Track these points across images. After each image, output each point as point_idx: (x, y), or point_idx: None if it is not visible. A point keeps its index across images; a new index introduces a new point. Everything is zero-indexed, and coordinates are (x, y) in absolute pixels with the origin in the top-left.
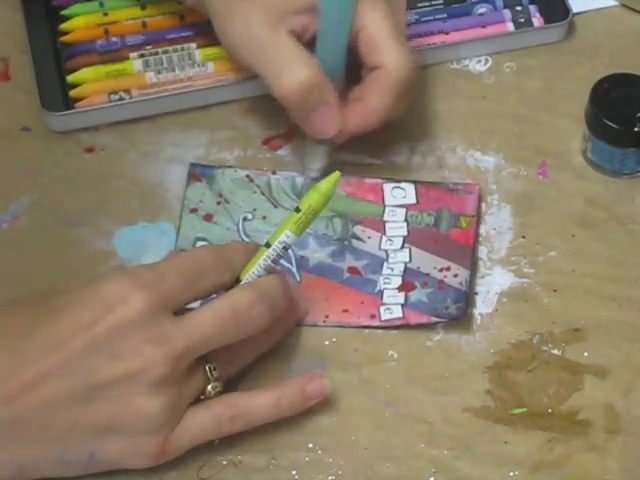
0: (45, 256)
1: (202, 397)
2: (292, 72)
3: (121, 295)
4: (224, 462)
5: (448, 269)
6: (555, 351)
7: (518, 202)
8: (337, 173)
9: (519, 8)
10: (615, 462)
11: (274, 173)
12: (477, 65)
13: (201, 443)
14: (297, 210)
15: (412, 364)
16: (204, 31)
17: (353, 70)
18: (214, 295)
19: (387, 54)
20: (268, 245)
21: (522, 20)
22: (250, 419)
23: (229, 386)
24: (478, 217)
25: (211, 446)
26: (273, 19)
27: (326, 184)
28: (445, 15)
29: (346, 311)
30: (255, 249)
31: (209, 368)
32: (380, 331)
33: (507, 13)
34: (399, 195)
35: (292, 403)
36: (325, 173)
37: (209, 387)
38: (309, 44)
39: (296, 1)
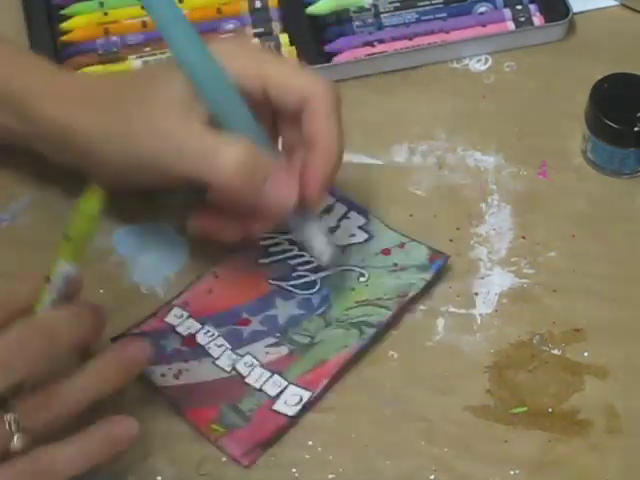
0: (45, 256)
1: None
2: (226, 155)
3: None
4: (224, 459)
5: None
6: (555, 351)
7: (518, 202)
8: (96, 189)
9: (519, 7)
10: (615, 462)
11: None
12: (477, 64)
13: None
14: (66, 238)
15: (412, 364)
16: (204, 31)
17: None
18: None
19: (309, 82)
20: (47, 279)
21: (522, 19)
22: (56, 471)
23: None
24: None
25: (211, 443)
26: (181, 113)
27: (87, 204)
28: (445, 14)
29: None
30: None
31: (8, 419)
32: (380, 331)
33: (507, 12)
34: None
35: (100, 449)
36: (334, 257)
37: (14, 439)
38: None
39: (192, 91)
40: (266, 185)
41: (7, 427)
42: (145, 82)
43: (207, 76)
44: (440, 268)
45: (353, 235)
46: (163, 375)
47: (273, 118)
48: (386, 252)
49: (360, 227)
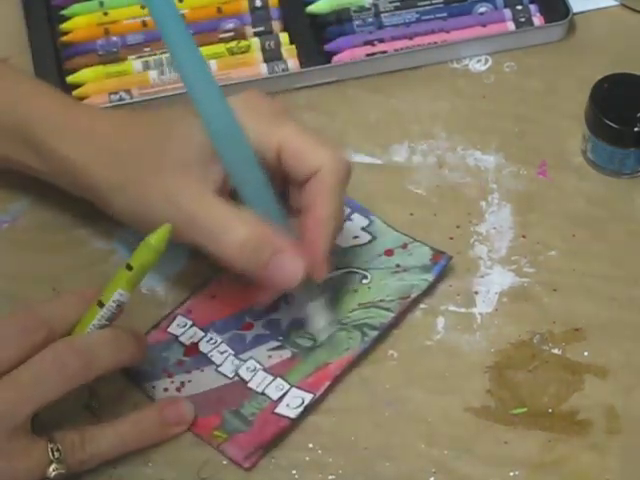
0: (46, 256)
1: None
2: (231, 234)
3: None
4: (224, 462)
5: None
6: (555, 351)
7: (518, 201)
8: (167, 226)
9: (519, 7)
10: (615, 462)
11: None
12: (477, 65)
13: None
14: (129, 268)
15: (412, 364)
16: (204, 30)
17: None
18: None
19: (322, 154)
20: (101, 304)
21: (522, 19)
22: (101, 449)
23: None
24: None
25: (213, 448)
26: (194, 182)
27: (157, 240)
28: (445, 14)
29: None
30: (91, 295)
31: (51, 449)
32: (382, 333)
33: (507, 12)
34: None
35: (149, 429)
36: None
37: (50, 469)
38: (235, 192)
39: (208, 151)
40: (272, 262)
41: (50, 454)
42: (163, 134)
43: (228, 138)
44: (443, 269)
45: (356, 237)
46: (166, 390)
47: (284, 179)
48: (389, 253)
49: (363, 229)
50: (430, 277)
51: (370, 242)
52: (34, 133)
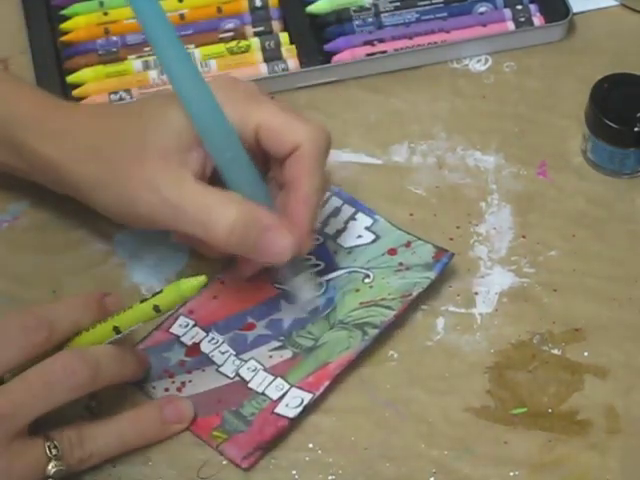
0: (45, 257)
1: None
2: (218, 217)
3: None
4: (224, 462)
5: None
6: (555, 351)
7: (518, 202)
8: (204, 278)
9: (519, 7)
10: (615, 462)
11: None
12: (477, 64)
13: None
14: (156, 309)
15: (412, 364)
16: (204, 30)
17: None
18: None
19: (299, 131)
20: (117, 330)
21: (522, 19)
22: (99, 447)
23: None
24: None
25: (213, 449)
26: (175, 171)
27: (190, 290)
28: (445, 14)
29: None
30: (94, 299)
31: (48, 446)
32: (383, 332)
33: (507, 12)
34: None
35: (148, 427)
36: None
37: (49, 466)
38: (215, 177)
39: (185, 139)
40: (261, 240)
41: (47, 452)
42: (139, 124)
43: (210, 119)
44: (445, 266)
45: (360, 237)
46: (166, 390)
47: (265, 158)
48: (392, 252)
49: (367, 228)
50: (432, 275)
51: (374, 241)
52: (15, 134)
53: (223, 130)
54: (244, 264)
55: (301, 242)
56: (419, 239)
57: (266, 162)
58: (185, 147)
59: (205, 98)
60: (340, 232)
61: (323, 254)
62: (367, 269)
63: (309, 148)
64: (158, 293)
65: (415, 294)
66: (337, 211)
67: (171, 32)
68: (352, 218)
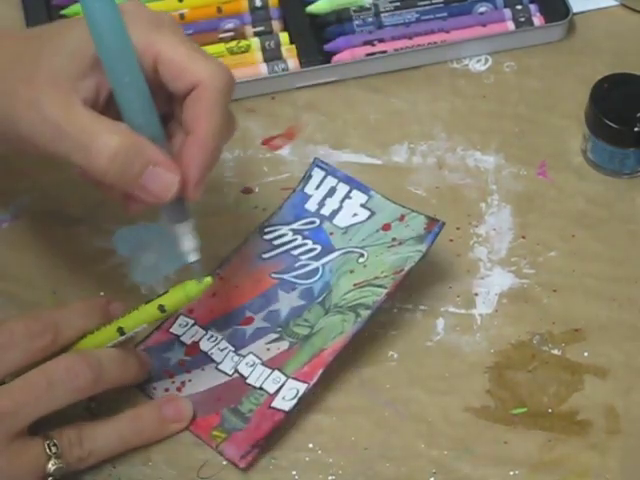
0: (45, 256)
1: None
2: (100, 143)
3: None
4: (224, 462)
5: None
6: (555, 351)
7: (518, 202)
8: (210, 279)
9: (519, 7)
10: (615, 462)
11: None
12: (477, 64)
13: None
14: (162, 310)
15: (412, 364)
16: (204, 30)
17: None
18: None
19: (200, 67)
20: (122, 331)
21: (522, 19)
22: (98, 446)
23: None
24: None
25: (212, 449)
26: (63, 93)
27: (197, 291)
28: (445, 14)
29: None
30: (99, 304)
31: (48, 444)
32: (380, 331)
33: (507, 12)
34: None
35: (147, 427)
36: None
37: (49, 464)
38: (109, 105)
39: (80, 63)
40: (145, 174)
41: (47, 450)
42: (36, 46)
43: (114, 40)
44: (436, 236)
45: (355, 215)
46: (167, 390)
47: (168, 97)
48: (387, 227)
49: (362, 205)
50: (423, 247)
51: (369, 218)
52: None
53: (125, 52)
54: (129, 200)
55: (188, 186)
56: (413, 211)
57: (169, 102)
58: (78, 73)
59: (112, 18)
60: (336, 212)
61: (320, 238)
62: (362, 248)
63: (209, 86)
64: (164, 294)
65: (407, 269)
66: (332, 191)
67: None
68: (347, 196)
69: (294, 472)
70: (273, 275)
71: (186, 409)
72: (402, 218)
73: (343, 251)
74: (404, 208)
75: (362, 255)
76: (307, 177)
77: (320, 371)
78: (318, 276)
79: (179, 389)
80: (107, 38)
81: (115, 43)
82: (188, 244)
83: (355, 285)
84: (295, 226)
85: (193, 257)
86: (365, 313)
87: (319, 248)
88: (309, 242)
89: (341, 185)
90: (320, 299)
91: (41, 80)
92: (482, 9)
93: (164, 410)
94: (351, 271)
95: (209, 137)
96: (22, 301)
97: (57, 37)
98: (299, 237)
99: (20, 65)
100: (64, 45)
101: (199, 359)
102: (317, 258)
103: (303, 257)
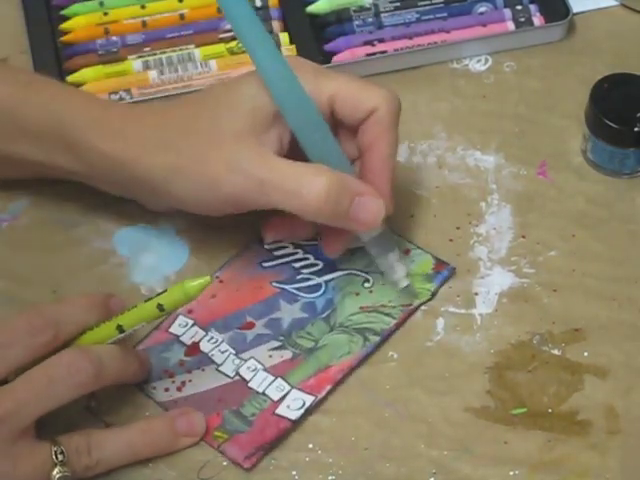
0: (45, 256)
1: None
2: (311, 186)
3: None
4: (224, 463)
5: None
6: (555, 351)
7: (518, 202)
8: (208, 279)
9: (519, 7)
10: (615, 462)
11: None
12: (477, 64)
13: None
14: (160, 308)
15: (412, 364)
16: (204, 30)
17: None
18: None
19: (375, 95)
20: (120, 329)
21: (522, 19)
22: (107, 456)
23: None
24: None
25: (214, 449)
26: (255, 149)
27: (195, 290)
28: (445, 14)
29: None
30: (99, 300)
31: (55, 451)
32: (384, 339)
33: (507, 12)
34: None
35: (159, 439)
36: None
37: (54, 471)
38: (293, 151)
39: (262, 119)
40: (354, 207)
41: (53, 457)
42: (209, 110)
43: (291, 94)
44: (445, 279)
45: (359, 239)
46: (167, 389)
47: (334, 131)
48: None
49: None
50: (432, 287)
51: None
52: (71, 134)
53: (305, 105)
54: (331, 240)
55: (387, 206)
56: (418, 248)
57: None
58: (261, 128)
59: (286, 75)
60: None
61: (321, 254)
62: (366, 272)
63: (386, 110)
64: (162, 292)
65: (416, 304)
66: None
67: (252, 13)
68: None
69: (294, 472)
70: (274, 284)
71: (199, 423)
72: (407, 252)
73: (346, 272)
74: (409, 243)
75: (367, 280)
76: None
77: (329, 387)
78: (321, 292)
79: (179, 389)
80: (288, 97)
81: (296, 100)
82: (400, 271)
83: (362, 308)
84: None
85: (405, 283)
86: (374, 339)
87: (321, 264)
88: (310, 257)
89: None
90: (324, 315)
91: (229, 142)
92: (482, 9)
93: (177, 423)
94: (357, 294)
95: (391, 156)
96: (22, 301)
97: (227, 100)
98: (300, 251)
99: (198, 131)
100: (239, 106)
101: (199, 360)
102: (319, 274)
103: (304, 271)
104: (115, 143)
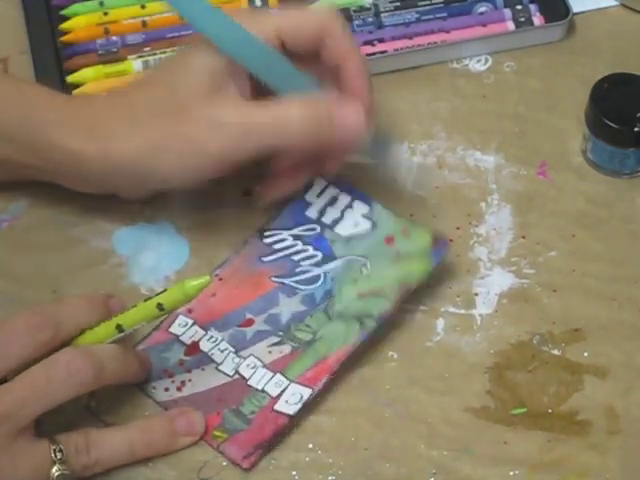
0: (45, 256)
1: None
2: (287, 115)
3: None
4: (224, 463)
5: None
6: (555, 351)
7: (518, 202)
8: (208, 278)
9: (519, 7)
10: (615, 462)
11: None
12: (477, 64)
13: None
14: (160, 308)
15: (412, 364)
16: None
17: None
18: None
19: (317, 16)
20: (120, 328)
21: (522, 19)
22: (106, 455)
23: None
24: None
25: (213, 449)
26: (223, 102)
27: (195, 290)
28: (445, 14)
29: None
30: (100, 300)
31: (54, 449)
32: (380, 331)
33: (507, 12)
34: None
35: (158, 439)
36: None
37: (53, 470)
38: (261, 91)
39: (219, 76)
40: (336, 120)
41: (52, 455)
42: (169, 85)
43: (239, 39)
44: (442, 256)
45: (357, 225)
46: (166, 389)
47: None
48: (389, 240)
49: (364, 215)
50: (429, 266)
51: (371, 229)
52: (35, 132)
53: (253, 44)
54: (329, 160)
55: (367, 113)
56: (415, 223)
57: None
58: (223, 82)
59: (226, 24)
60: (337, 221)
61: (321, 245)
62: (364, 257)
63: (337, 25)
64: (162, 292)
65: (412, 285)
66: (333, 200)
67: None
68: (349, 206)
69: (294, 472)
70: (273, 279)
71: (198, 423)
72: (405, 231)
73: (345, 259)
74: (406, 221)
75: (365, 265)
76: (308, 184)
77: (325, 378)
78: (320, 283)
79: (179, 389)
80: (237, 44)
81: (246, 45)
82: (392, 157)
83: (359, 294)
84: (295, 232)
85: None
86: (370, 323)
87: (320, 255)
88: (309, 248)
89: (342, 195)
90: (322, 306)
91: (199, 104)
92: (482, 9)
93: (176, 423)
94: (354, 280)
95: (362, 64)
96: (22, 301)
97: (182, 72)
98: (299, 243)
99: (164, 106)
100: (196, 68)
101: (199, 359)
102: (318, 265)
103: (304, 263)
104: (82, 137)
